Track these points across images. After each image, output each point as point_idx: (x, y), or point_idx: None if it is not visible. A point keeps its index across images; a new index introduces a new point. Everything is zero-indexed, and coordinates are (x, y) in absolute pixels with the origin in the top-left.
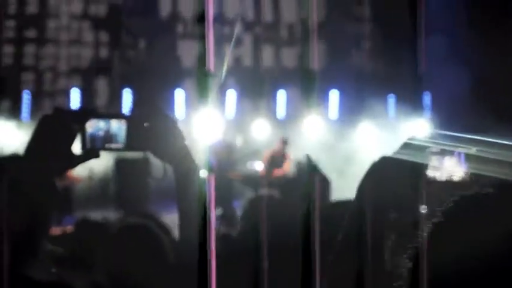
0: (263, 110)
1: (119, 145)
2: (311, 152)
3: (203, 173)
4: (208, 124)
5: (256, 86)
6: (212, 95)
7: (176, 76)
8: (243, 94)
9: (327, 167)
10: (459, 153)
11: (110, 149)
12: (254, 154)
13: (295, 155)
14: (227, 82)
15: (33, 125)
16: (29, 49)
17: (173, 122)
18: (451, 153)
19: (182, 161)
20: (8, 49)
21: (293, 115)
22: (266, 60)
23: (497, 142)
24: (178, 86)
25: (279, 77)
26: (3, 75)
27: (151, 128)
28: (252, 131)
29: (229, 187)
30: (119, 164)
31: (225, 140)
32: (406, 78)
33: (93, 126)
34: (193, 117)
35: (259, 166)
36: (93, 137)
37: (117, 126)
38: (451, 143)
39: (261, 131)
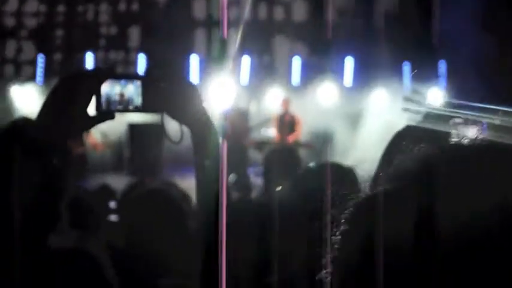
0: (278, 77)
1: (135, 106)
2: (325, 119)
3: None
4: (222, 90)
5: (271, 53)
6: (227, 61)
7: (191, 41)
8: (257, 60)
9: (340, 135)
10: (482, 123)
11: (126, 110)
12: (268, 121)
13: (310, 122)
14: (242, 48)
15: (47, 89)
16: (42, 9)
17: (190, 83)
18: (474, 122)
19: (200, 123)
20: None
21: (308, 82)
22: (280, 27)
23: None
24: (193, 52)
25: (294, 44)
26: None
27: (168, 89)
28: (267, 98)
29: (243, 153)
30: (134, 128)
31: (239, 107)
32: (421, 46)
33: (109, 87)
34: (207, 83)
35: (272, 132)
36: (109, 98)
37: (133, 87)
38: (473, 113)
39: (276, 98)
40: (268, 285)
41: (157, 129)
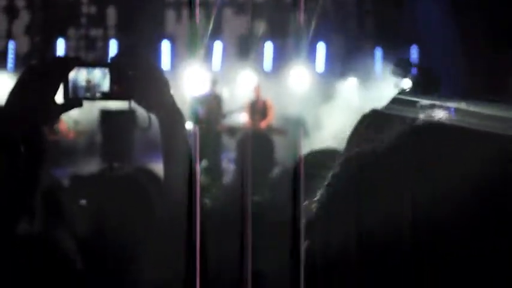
0: (250, 62)
1: (103, 94)
2: (297, 105)
3: (189, 125)
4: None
5: (243, 38)
6: (199, 46)
7: (163, 27)
8: (229, 46)
9: (312, 120)
10: (449, 107)
11: (94, 98)
12: (240, 107)
13: (282, 107)
14: (214, 34)
15: (18, 75)
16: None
17: (159, 70)
18: (441, 106)
19: (168, 111)
20: None
21: (280, 67)
22: (253, 12)
23: (483, 99)
24: (165, 37)
25: (267, 29)
26: None
27: (135, 76)
28: (239, 83)
29: (215, 139)
30: (105, 115)
31: (212, 92)
32: (393, 31)
33: (77, 74)
34: (179, 69)
35: (244, 118)
36: (76, 86)
37: (101, 75)
38: (440, 98)
39: (248, 83)
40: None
41: (128, 116)
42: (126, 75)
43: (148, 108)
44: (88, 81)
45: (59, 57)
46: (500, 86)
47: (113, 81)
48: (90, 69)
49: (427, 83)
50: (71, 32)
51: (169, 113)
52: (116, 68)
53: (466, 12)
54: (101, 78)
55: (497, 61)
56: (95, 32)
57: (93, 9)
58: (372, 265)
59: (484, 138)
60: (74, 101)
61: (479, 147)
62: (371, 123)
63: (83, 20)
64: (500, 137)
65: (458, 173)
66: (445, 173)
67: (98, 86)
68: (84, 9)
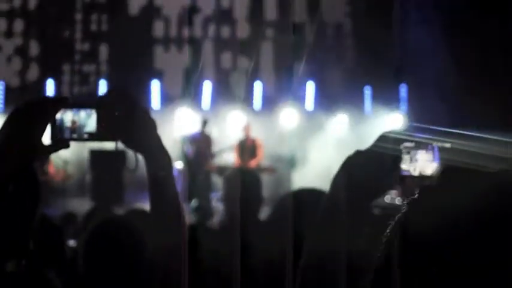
0: (239, 102)
1: (90, 134)
2: (287, 143)
3: (179, 164)
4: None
5: (232, 77)
6: (188, 86)
7: (152, 66)
8: (219, 85)
9: (303, 158)
10: (433, 147)
11: (80, 139)
12: (230, 147)
13: (272, 146)
14: (203, 73)
15: (6, 116)
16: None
17: (145, 111)
18: (425, 146)
19: (154, 152)
20: None
21: (269, 106)
22: (242, 52)
23: (472, 135)
24: (154, 77)
25: (256, 68)
26: None
27: (122, 117)
28: (228, 122)
29: (205, 179)
30: (95, 155)
31: (201, 131)
32: (382, 70)
33: (63, 115)
34: (169, 109)
35: (234, 157)
36: (63, 127)
37: (88, 116)
38: (425, 136)
39: (237, 122)
40: None
41: (118, 156)
42: (113, 116)
43: (135, 148)
44: (74, 122)
45: (46, 98)
46: (496, 114)
47: (99, 122)
48: (77, 109)
49: None
50: (62, 69)
51: (156, 153)
52: (102, 108)
53: (458, 39)
54: (87, 118)
55: (491, 88)
56: (87, 69)
57: (85, 47)
58: None
59: (482, 177)
60: (60, 141)
61: (478, 185)
62: (355, 164)
63: (75, 57)
64: (492, 175)
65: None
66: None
67: (84, 126)
68: (76, 46)
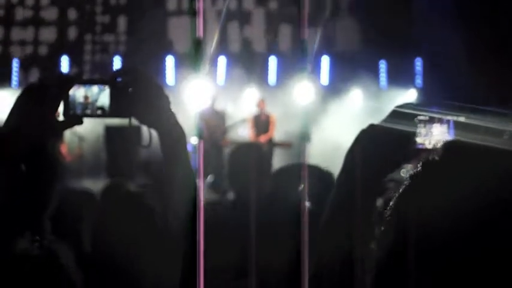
0: (254, 77)
1: (103, 111)
2: (301, 118)
3: (193, 140)
4: (199, 91)
5: (247, 53)
6: (203, 62)
7: (167, 42)
8: (234, 61)
9: (317, 133)
10: (447, 121)
11: (94, 115)
12: (244, 121)
13: (287, 120)
14: (218, 49)
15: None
16: (18, 16)
17: (159, 87)
18: (440, 120)
19: (168, 128)
20: None
21: (284, 81)
22: (258, 27)
23: (487, 110)
24: (169, 53)
25: (271, 44)
26: None
27: (135, 93)
28: (243, 98)
29: (219, 154)
30: (110, 131)
31: (216, 107)
32: (398, 44)
33: (77, 92)
34: (183, 84)
35: (248, 133)
36: (77, 103)
37: (101, 92)
38: (439, 111)
39: (252, 98)
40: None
41: (132, 132)
42: (126, 92)
43: (148, 125)
44: (88, 99)
45: (60, 75)
46: (506, 96)
47: (113, 99)
48: (91, 86)
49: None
50: (75, 48)
51: (170, 129)
52: (115, 84)
53: (472, 23)
54: (101, 95)
55: (502, 73)
56: (100, 48)
57: (98, 23)
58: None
59: (492, 154)
60: (74, 118)
61: (488, 163)
62: (369, 138)
63: (87, 35)
64: (497, 152)
65: (478, 188)
66: (467, 188)
67: (98, 103)
68: (88, 23)
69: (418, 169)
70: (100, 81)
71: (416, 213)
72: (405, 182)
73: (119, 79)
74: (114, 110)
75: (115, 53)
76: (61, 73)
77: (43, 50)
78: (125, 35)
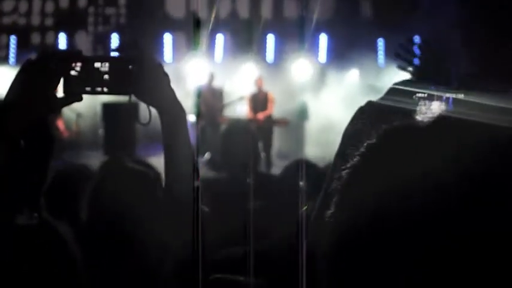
0: (252, 54)
1: (103, 88)
2: (299, 96)
3: (191, 117)
4: (196, 68)
5: (245, 30)
6: (201, 39)
7: (164, 20)
8: (232, 38)
9: (315, 110)
10: (446, 98)
11: (94, 92)
12: (241, 99)
13: (284, 98)
14: (216, 26)
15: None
16: None
17: (158, 65)
18: (440, 97)
19: (168, 106)
20: None
21: (282, 59)
22: (255, 5)
23: (485, 87)
24: (167, 30)
25: (268, 21)
26: None
27: (135, 71)
28: (241, 75)
29: (215, 132)
30: (107, 108)
31: (213, 85)
32: (396, 22)
33: (77, 68)
34: (181, 62)
35: (246, 110)
36: (76, 80)
37: (101, 69)
38: (438, 88)
39: (250, 75)
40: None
41: (130, 110)
42: (126, 70)
43: (148, 102)
44: (88, 75)
45: (60, 51)
46: (502, 75)
47: (113, 76)
48: (91, 63)
49: (436, 72)
50: (74, 25)
51: (170, 107)
52: (116, 62)
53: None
54: (101, 72)
55: (499, 50)
56: (98, 25)
57: (96, 2)
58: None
59: (485, 130)
60: (73, 94)
61: (481, 138)
62: (367, 115)
63: (86, 13)
64: (497, 128)
65: (466, 163)
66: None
67: (97, 80)
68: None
69: (373, 140)
70: (101, 58)
71: (372, 191)
72: (361, 150)
73: (119, 56)
74: (114, 87)
75: (112, 31)
76: (61, 49)
77: (41, 26)
78: (125, 8)
